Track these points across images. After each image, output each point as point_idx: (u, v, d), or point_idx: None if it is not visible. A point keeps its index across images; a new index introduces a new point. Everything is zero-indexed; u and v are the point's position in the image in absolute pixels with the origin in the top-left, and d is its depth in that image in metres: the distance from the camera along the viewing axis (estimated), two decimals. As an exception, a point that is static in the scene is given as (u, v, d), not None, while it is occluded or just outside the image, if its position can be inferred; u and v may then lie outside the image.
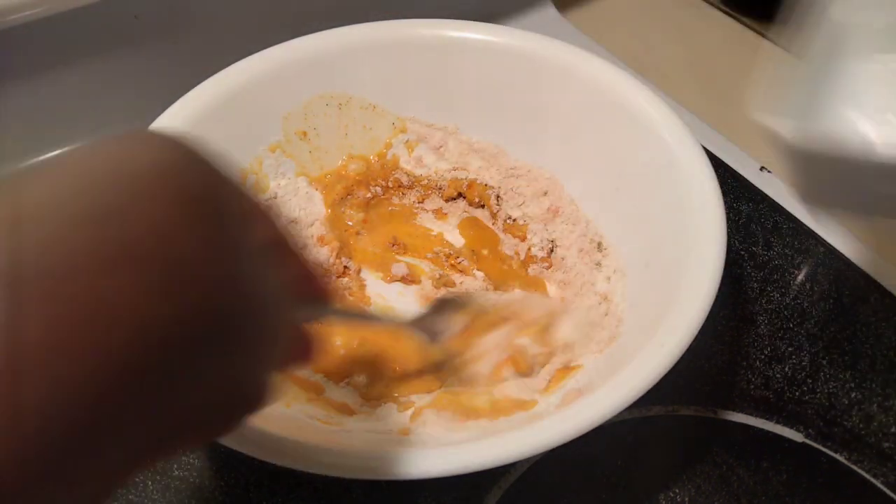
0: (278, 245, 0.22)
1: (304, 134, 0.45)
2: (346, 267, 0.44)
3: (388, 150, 0.48)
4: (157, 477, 0.37)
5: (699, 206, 0.37)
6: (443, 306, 0.39)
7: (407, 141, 0.48)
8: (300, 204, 0.45)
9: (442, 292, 0.43)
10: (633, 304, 0.39)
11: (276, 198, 0.44)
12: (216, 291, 0.17)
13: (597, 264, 0.42)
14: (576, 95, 0.44)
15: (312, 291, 0.24)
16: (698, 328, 0.32)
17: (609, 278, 0.41)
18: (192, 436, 0.19)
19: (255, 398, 0.20)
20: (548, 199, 0.46)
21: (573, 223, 0.45)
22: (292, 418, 0.35)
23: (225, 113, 0.41)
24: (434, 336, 0.38)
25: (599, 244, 0.43)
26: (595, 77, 0.43)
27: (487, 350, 0.39)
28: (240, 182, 0.19)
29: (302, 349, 0.23)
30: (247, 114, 0.42)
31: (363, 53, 0.45)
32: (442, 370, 0.39)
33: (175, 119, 0.39)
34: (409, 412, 0.38)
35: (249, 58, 0.43)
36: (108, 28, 0.47)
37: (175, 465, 0.37)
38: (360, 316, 0.38)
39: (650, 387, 0.30)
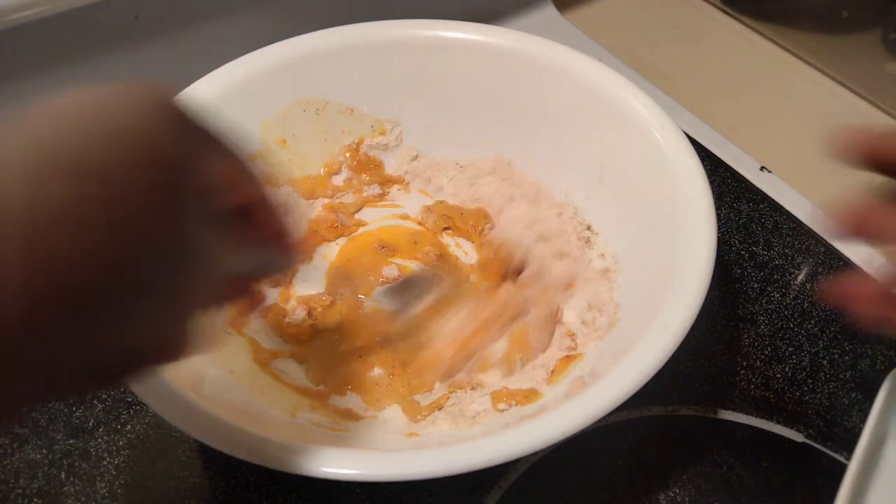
0: (257, 204, 0.24)
1: (284, 141, 0.45)
2: None
3: None
4: (157, 477, 0.37)
5: (686, 190, 0.37)
6: (412, 283, 0.40)
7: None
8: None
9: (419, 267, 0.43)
10: (630, 289, 0.39)
11: None
12: (158, 251, 0.19)
13: (586, 241, 0.43)
14: (558, 91, 0.43)
15: (282, 246, 0.27)
16: (699, 308, 0.32)
17: (603, 255, 0.42)
18: (109, 372, 0.21)
19: (177, 344, 0.22)
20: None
21: (561, 210, 0.45)
22: (297, 426, 0.35)
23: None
24: (400, 309, 0.39)
25: (589, 227, 0.43)
26: (580, 73, 0.43)
27: (448, 331, 0.40)
28: (225, 141, 0.22)
29: (240, 294, 0.26)
30: (224, 125, 0.42)
31: (336, 57, 0.44)
32: (400, 345, 0.40)
33: None
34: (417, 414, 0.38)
35: (221, 68, 0.42)
36: (108, 28, 0.47)
37: (175, 465, 0.37)
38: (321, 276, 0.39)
39: (658, 369, 0.30)
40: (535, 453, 0.37)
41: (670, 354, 0.31)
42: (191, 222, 0.20)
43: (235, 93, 0.42)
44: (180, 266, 0.20)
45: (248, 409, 0.34)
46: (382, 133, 0.47)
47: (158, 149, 0.19)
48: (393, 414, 0.38)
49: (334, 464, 0.28)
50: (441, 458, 0.29)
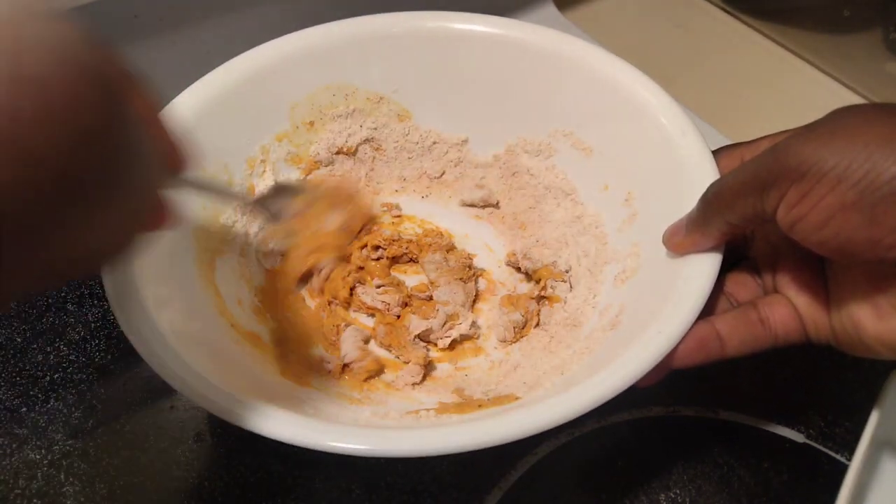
0: (149, 116, 0.24)
1: (311, 124, 0.46)
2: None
3: None
4: (157, 477, 0.37)
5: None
6: (282, 190, 0.42)
7: None
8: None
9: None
10: (635, 291, 0.38)
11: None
12: (108, 153, 0.20)
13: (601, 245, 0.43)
14: (581, 87, 0.44)
15: (173, 161, 0.27)
16: (698, 312, 0.32)
17: (612, 260, 0.42)
18: (68, 268, 0.22)
19: (120, 247, 0.23)
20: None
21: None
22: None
23: (233, 102, 0.42)
24: (274, 216, 0.41)
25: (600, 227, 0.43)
26: (604, 70, 0.44)
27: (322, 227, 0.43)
28: (120, 60, 0.22)
29: (158, 215, 0.26)
30: (254, 103, 0.43)
31: (369, 45, 0.45)
32: (281, 248, 0.43)
33: (184, 107, 0.40)
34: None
35: (257, 48, 0.43)
36: (108, 28, 0.47)
37: (175, 465, 0.37)
38: (211, 188, 0.39)
39: (642, 374, 0.30)
40: (535, 453, 0.37)
41: (660, 358, 0.30)
42: (130, 122, 0.21)
43: (264, 74, 0.43)
44: (130, 167, 0.21)
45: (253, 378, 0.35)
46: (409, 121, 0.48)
47: (88, 60, 0.19)
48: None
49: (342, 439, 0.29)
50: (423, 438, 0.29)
